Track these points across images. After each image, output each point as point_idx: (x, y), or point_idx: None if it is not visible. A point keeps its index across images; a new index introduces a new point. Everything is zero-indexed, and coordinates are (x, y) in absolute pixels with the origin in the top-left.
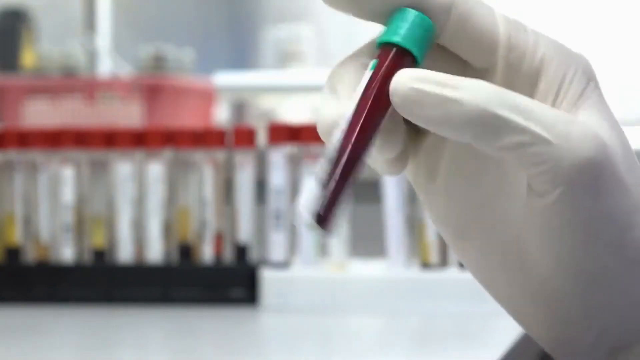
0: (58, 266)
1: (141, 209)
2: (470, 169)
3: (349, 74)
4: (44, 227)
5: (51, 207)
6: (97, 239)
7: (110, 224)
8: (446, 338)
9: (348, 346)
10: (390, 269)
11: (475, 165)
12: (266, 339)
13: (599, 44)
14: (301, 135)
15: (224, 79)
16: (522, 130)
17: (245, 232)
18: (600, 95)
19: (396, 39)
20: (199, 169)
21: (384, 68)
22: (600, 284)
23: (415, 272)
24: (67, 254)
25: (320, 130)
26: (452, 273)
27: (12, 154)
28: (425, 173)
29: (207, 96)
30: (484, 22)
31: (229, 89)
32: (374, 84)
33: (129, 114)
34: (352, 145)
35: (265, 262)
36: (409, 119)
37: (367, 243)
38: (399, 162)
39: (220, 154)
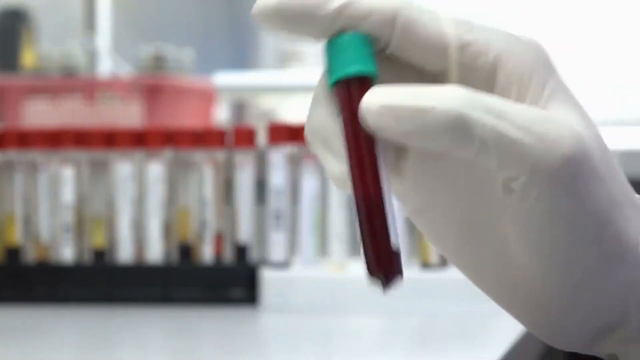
0: (58, 266)
1: (141, 209)
2: (437, 169)
3: (328, 125)
4: (44, 227)
5: (51, 207)
6: (97, 239)
7: (110, 224)
8: (446, 338)
9: (348, 346)
10: None
11: (442, 164)
12: (266, 339)
13: (596, 43)
14: (301, 135)
15: (224, 79)
16: (498, 132)
17: (245, 232)
18: (562, 83)
19: (344, 72)
20: (199, 169)
21: (348, 109)
22: (580, 279)
23: (415, 272)
24: (67, 254)
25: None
26: (452, 273)
27: (12, 154)
28: (392, 170)
29: (207, 96)
30: (430, 27)
31: (229, 89)
32: (348, 128)
33: (129, 114)
34: (364, 195)
35: (265, 262)
36: (387, 137)
37: None
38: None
39: (220, 154)
